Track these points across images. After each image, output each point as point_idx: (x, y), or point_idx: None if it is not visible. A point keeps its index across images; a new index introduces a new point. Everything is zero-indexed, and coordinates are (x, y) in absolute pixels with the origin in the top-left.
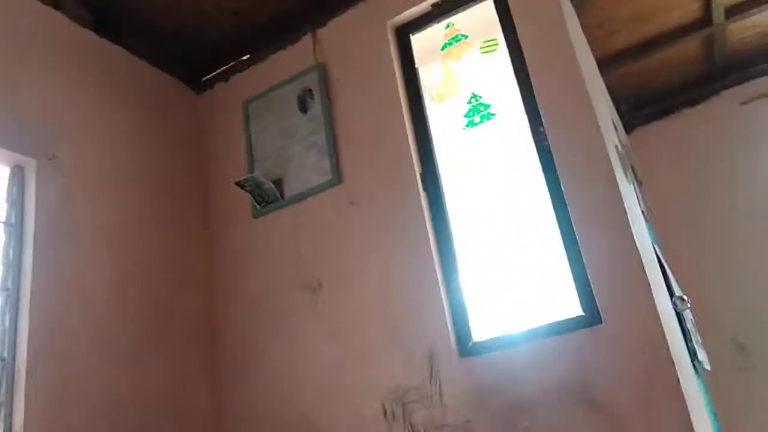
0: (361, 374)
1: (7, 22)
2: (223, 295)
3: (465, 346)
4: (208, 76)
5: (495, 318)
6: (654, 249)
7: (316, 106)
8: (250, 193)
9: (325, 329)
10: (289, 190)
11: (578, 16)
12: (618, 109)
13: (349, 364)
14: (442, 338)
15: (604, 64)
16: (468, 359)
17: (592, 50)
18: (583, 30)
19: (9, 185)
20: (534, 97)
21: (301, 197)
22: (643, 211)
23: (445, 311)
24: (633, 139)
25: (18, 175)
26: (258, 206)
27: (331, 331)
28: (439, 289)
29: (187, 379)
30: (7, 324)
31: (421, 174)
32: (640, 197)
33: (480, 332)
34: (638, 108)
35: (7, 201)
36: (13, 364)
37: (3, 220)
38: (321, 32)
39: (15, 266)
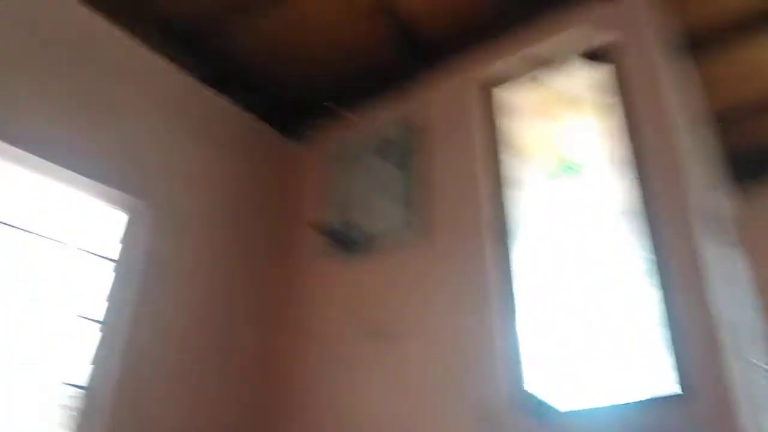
0: (421, 429)
1: (120, 70)
2: (294, 335)
3: (541, 414)
4: (298, 124)
5: (571, 385)
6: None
7: (402, 158)
8: (332, 239)
9: (389, 379)
10: (369, 239)
11: (697, 67)
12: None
13: (409, 417)
14: (513, 404)
15: (722, 118)
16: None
17: (710, 104)
18: (701, 82)
19: (125, 228)
20: (624, 156)
21: (380, 247)
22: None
23: (521, 375)
24: (750, 200)
25: (130, 217)
26: (338, 252)
27: (395, 382)
28: (517, 353)
29: (252, 412)
30: (98, 355)
31: (501, 231)
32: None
33: (557, 400)
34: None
35: (121, 242)
36: (98, 394)
37: (113, 258)
38: (411, 86)
39: (114, 301)
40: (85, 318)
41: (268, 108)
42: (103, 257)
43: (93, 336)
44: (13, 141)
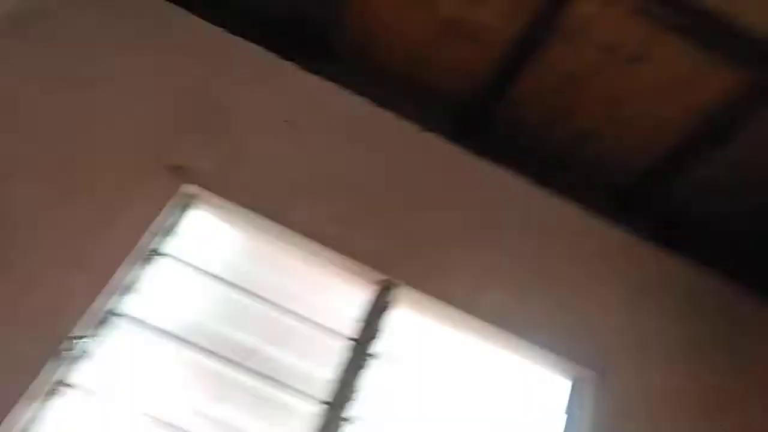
0: None
1: (567, 238)
2: None
3: None
4: None
5: None
6: None
7: None
8: None
9: None
10: None
11: None
12: None
13: None
14: None
15: None
16: None
17: None
18: None
19: (570, 398)
20: None
21: None
22: None
23: None
24: None
25: (576, 387)
26: None
27: None
28: None
29: None
30: None
31: None
32: None
33: None
34: None
35: (567, 412)
36: None
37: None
38: None
39: None
40: None
41: (734, 264)
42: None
43: None
44: (480, 315)
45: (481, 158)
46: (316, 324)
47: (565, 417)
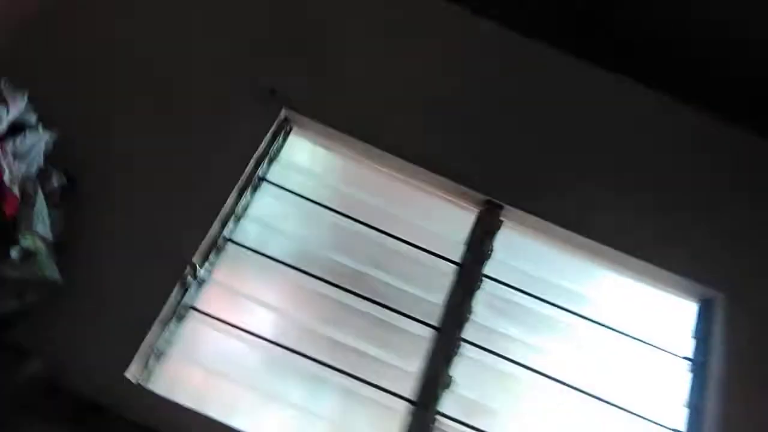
0: None
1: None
2: None
3: None
4: None
5: None
6: None
7: None
8: None
9: None
10: None
11: None
12: None
13: None
14: None
15: None
16: None
17: None
18: None
19: (696, 321)
20: None
21: None
22: None
23: None
24: None
25: (705, 310)
26: None
27: None
28: None
29: None
30: None
31: None
32: None
33: None
34: None
35: (694, 337)
36: None
37: (687, 356)
38: None
39: (695, 408)
40: (663, 427)
41: None
42: (676, 355)
43: None
44: (592, 236)
45: (594, 66)
46: (422, 249)
47: (693, 341)
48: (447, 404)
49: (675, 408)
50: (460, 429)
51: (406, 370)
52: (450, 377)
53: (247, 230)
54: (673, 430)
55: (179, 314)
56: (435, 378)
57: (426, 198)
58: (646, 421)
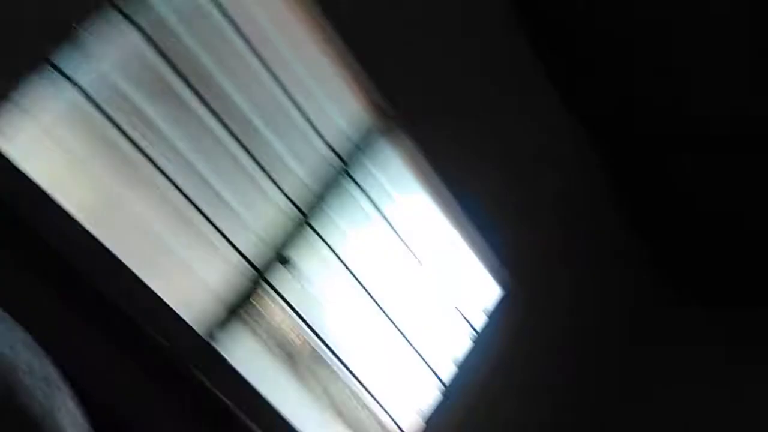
0: None
1: None
2: None
3: None
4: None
5: None
6: None
7: None
8: None
9: None
10: None
11: None
12: None
13: None
14: None
15: None
16: None
17: None
18: None
19: (496, 304)
20: None
21: None
22: None
23: None
24: None
25: (506, 298)
26: None
27: None
28: None
29: None
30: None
31: None
32: None
33: None
34: None
35: (487, 316)
36: None
37: (475, 327)
38: None
39: (463, 371)
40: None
41: None
42: (468, 321)
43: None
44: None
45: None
46: (313, 125)
47: (485, 318)
48: (277, 280)
49: (445, 361)
50: (280, 304)
51: (251, 227)
52: (289, 257)
53: None
54: (437, 377)
55: None
56: (276, 248)
57: (335, 79)
58: (418, 356)
